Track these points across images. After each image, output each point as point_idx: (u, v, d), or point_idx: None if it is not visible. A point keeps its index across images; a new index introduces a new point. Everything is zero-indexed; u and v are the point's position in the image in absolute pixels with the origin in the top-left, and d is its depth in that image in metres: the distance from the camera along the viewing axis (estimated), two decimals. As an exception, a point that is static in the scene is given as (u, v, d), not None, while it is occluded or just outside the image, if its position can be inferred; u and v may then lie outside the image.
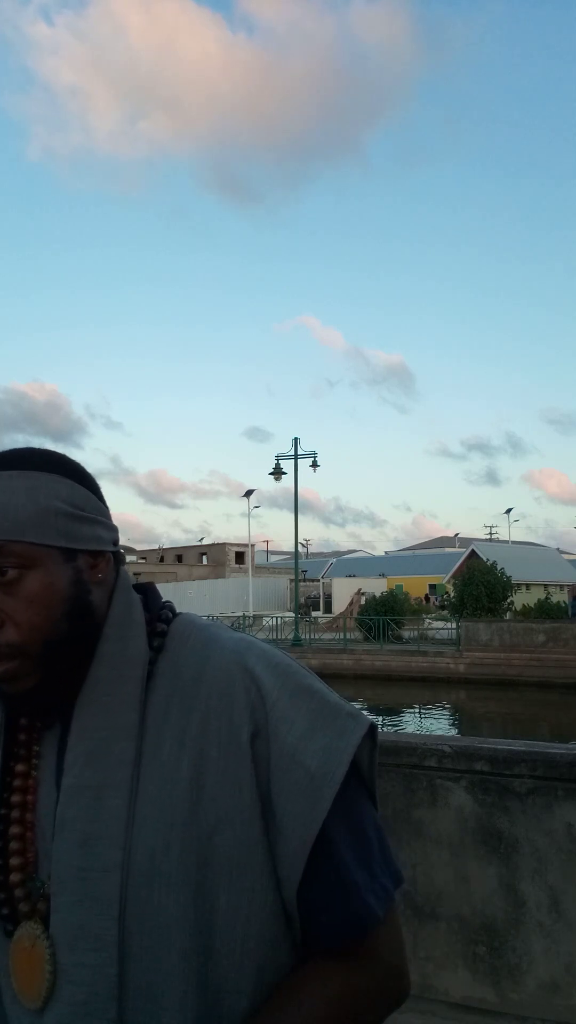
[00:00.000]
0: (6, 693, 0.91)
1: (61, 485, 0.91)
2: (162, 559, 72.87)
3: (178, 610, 1.02)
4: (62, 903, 0.85)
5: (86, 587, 0.91)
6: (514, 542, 68.87)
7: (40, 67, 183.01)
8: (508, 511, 65.27)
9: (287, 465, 32.62)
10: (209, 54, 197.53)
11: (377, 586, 44.34)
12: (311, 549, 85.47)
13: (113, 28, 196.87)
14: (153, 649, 0.94)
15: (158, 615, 0.99)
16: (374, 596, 36.00)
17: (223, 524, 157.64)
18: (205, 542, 74.60)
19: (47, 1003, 0.85)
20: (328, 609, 47.23)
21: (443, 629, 33.19)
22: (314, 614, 43.68)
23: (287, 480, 33.31)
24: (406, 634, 32.09)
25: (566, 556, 71.82)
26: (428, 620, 36.55)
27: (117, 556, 0.98)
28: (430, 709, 23.46)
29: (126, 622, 0.94)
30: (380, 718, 21.13)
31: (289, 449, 32.51)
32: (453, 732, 20.82)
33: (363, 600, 37.30)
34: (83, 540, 0.91)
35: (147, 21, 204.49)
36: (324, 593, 51.86)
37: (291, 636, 31.14)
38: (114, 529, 0.98)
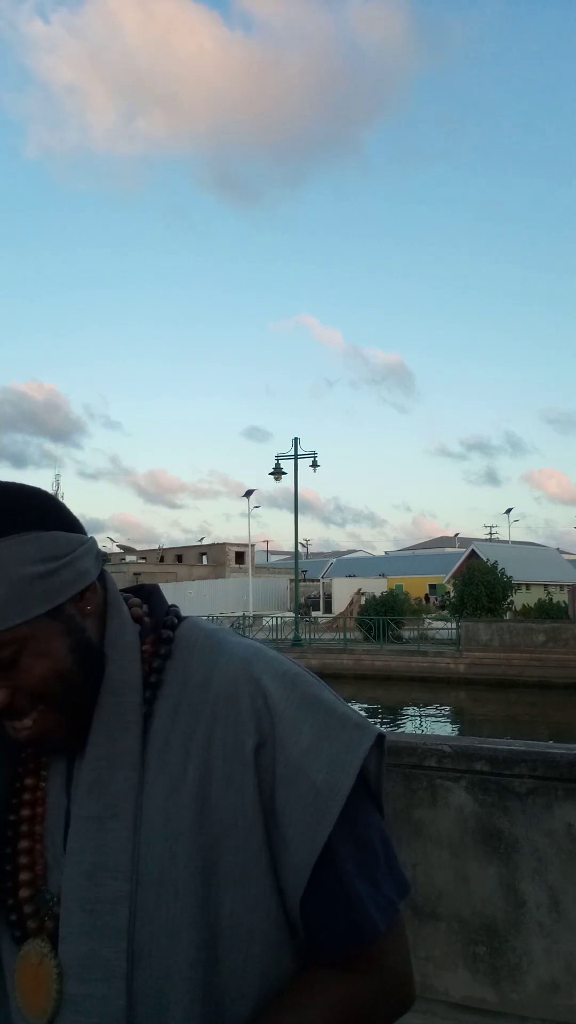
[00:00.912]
0: (43, 747, 0.91)
1: (27, 545, 0.84)
2: (162, 559, 72.84)
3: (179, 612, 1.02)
4: (70, 934, 0.85)
5: (80, 628, 0.89)
6: (514, 542, 68.89)
7: (37, 65, 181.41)
8: (508, 511, 65.38)
9: (287, 465, 32.67)
10: (206, 51, 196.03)
11: (377, 586, 44.35)
12: (311, 549, 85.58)
13: (109, 26, 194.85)
14: (160, 656, 0.94)
15: (163, 621, 0.98)
16: (374, 596, 36.01)
17: (222, 524, 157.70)
18: (205, 542, 74.63)
19: (51, 1023, 0.85)
20: (328, 609, 47.23)
21: (443, 629, 33.21)
22: (314, 614, 43.67)
23: (287, 480, 33.38)
24: (406, 634, 32.09)
25: (566, 556, 71.85)
26: (428, 620, 36.55)
27: (101, 569, 0.94)
28: (430, 709, 23.46)
29: (120, 644, 0.93)
30: (380, 718, 21.14)
31: (288, 449, 32.55)
32: (453, 732, 20.81)
33: (363, 600, 37.29)
34: (66, 589, 0.87)
35: (143, 18, 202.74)
36: (324, 593, 51.85)
37: (291, 636, 31.13)
38: (89, 544, 0.92)
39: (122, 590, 1.02)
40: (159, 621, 0.98)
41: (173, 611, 1.00)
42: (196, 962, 0.84)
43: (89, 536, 0.93)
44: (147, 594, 1.02)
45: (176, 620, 0.98)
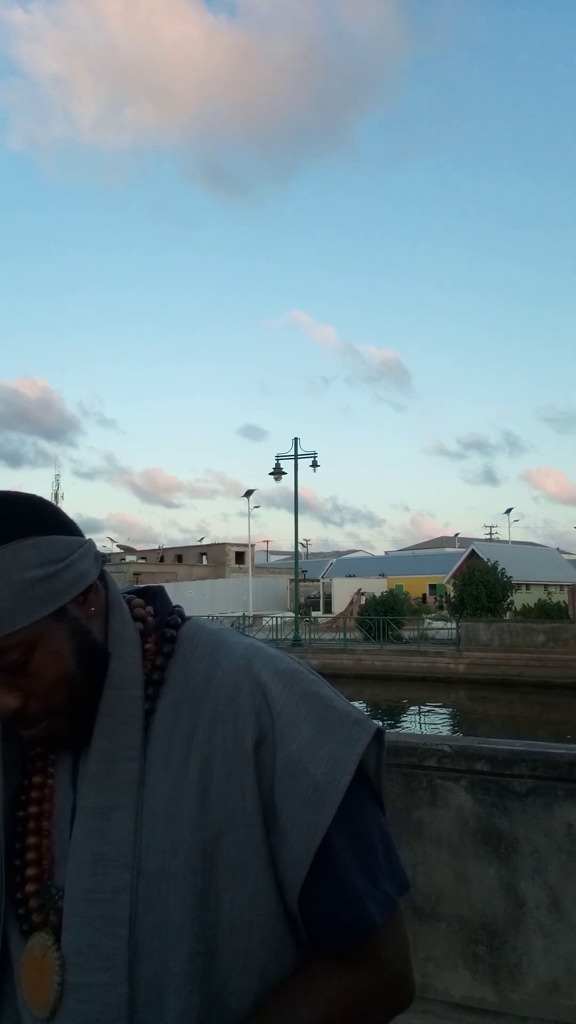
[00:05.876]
0: (53, 745, 0.93)
1: (28, 550, 0.86)
2: (162, 559, 72.90)
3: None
4: (72, 924, 0.86)
5: (85, 630, 0.91)
6: (514, 542, 68.90)
7: (20, 54, 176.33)
8: (508, 511, 65.38)
9: (287, 465, 32.67)
10: (191, 37, 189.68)
11: (377, 586, 44.38)
12: (311, 549, 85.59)
13: (91, 13, 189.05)
14: (163, 654, 0.95)
15: (167, 621, 0.99)
16: (374, 596, 36.03)
17: (220, 523, 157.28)
18: (204, 542, 74.69)
19: (54, 1015, 0.86)
20: (328, 609, 47.26)
21: (443, 629, 33.23)
22: (314, 614, 43.67)
23: (285, 479, 33.28)
24: (406, 634, 32.11)
25: (566, 556, 71.88)
26: (428, 620, 36.57)
27: (101, 570, 0.96)
28: (430, 709, 23.47)
29: (121, 640, 0.94)
30: (380, 718, 21.14)
31: (285, 447, 32.60)
32: (453, 732, 20.82)
33: (363, 600, 37.33)
34: (68, 591, 0.89)
35: (125, 4, 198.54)
36: (324, 593, 51.89)
37: (291, 636, 31.15)
38: (88, 546, 0.93)
39: (128, 592, 1.03)
40: (163, 621, 0.99)
41: (177, 611, 1.02)
42: (195, 954, 0.85)
43: (87, 538, 0.94)
44: (152, 595, 1.04)
45: (180, 620, 1.00)
